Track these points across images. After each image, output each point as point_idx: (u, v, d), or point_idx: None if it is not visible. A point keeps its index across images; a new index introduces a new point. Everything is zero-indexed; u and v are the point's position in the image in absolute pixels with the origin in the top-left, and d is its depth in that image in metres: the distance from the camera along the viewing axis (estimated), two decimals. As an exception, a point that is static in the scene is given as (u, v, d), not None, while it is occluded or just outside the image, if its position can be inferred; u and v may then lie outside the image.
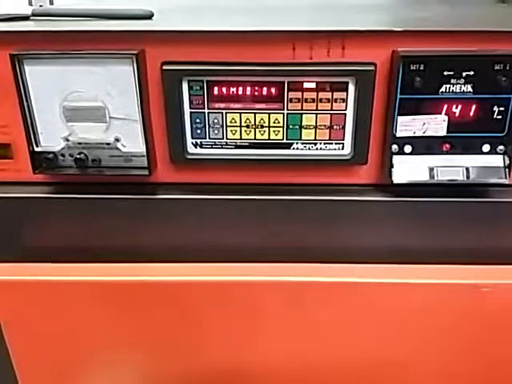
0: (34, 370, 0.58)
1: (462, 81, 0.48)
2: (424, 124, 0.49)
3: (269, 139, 0.52)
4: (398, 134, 0.50)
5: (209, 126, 0.51)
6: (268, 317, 0.54)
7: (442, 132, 0.50)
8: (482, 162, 0.50)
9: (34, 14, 0.57)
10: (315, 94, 0.49)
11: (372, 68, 0.48)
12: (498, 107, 0.49)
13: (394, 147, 0.50)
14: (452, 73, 0.47)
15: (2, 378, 0.59)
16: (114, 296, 0.53)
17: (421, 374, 0.57)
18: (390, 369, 0.56)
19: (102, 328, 0.55)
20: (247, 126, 0.51)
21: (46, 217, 0.54)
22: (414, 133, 0.50)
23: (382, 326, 0.53)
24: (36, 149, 0.52)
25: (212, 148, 0.52)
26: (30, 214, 0.54)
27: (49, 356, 0.57)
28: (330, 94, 0.49)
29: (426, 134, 0.50)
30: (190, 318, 0.54)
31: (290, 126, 0.51)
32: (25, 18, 0.57)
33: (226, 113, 0.50)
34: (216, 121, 0.51)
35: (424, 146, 0.50)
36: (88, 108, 0.50)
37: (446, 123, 0.49)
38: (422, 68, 0.47)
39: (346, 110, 0.50)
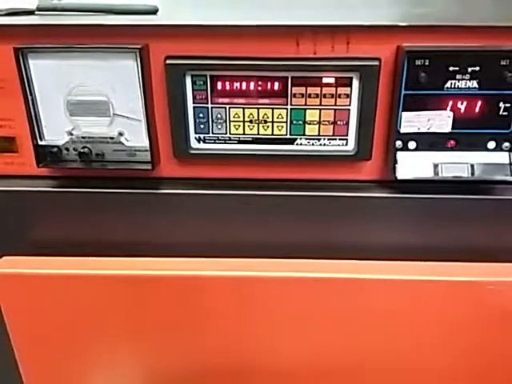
0: (36, 366, 0.58)
1: (468, 76, 0.47)
2: (429, 120, 0.49)
3: (272, 134, 0.51)
4: (403, 130, 0.49)
5: (212, 120, 0.51)
6: (272, 312, 0.54)
7: (447, 128, 0.49)
8: (487, 159, 0.50)
9: (38, 9, 0.57)
10: (319, 89, 0.49)
11: (376, 63, 0.47)
12: (504, 103, 0.48)
13: (398, 143, 0.50)
14: (457, 68, 0.47)
15: (6, 372, 0.60)
16: (117, 290, 0.53)
17: (426, 370, 0.56)
18: (395, 366, 0.56)
19: (104, 323, 0.55)
20: (250, 121, 0.51)
21: (50, 210, 0.54)
22: (419, 129, 0.49)
23: (386, 322, 0.53)
24: (40, 142, 0.52)
25: (215, 143, 0.52)
26: (33, 208, 0.54)
27: (52, 351, 0.57)
28: (334, 89, 0.49)
29: (430, 130, 0.49)
30: (194, 313, 0.54)
31: (294, 122, 0.51)
32: (29, 12, 0.57)
33: (230, 108, 0.50)
34: (219, 116, 0.51)
35: (428, 142, 0.50)
36: (92, 102, 0.50)
37: (450, 119, 0.49)
38: (426, 63, 0.47)
39: (350, 105, 0.50)
